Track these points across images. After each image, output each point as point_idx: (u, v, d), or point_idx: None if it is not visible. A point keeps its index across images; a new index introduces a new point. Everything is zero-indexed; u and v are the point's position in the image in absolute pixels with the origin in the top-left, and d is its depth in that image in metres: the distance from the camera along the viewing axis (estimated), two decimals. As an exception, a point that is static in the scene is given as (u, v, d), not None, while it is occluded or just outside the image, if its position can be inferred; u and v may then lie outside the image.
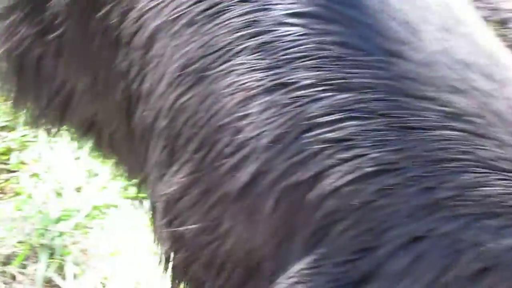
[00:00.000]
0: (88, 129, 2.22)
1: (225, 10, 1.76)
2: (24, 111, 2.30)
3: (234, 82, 1.71)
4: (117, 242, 2.92)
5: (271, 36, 1.71)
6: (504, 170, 1.60)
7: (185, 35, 1.80)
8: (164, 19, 1.82)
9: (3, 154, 3.10)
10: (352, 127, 1.60)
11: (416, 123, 1.61)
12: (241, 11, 1.75)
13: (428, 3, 1.83)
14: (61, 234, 2.94)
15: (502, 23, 4.57)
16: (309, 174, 1.60)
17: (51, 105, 2.18)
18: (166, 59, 1.84)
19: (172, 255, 1.90)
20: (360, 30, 1.70)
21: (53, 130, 2.30)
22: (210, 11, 1.77)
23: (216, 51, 1.75)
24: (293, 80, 1.65)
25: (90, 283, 2.83)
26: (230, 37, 1.74)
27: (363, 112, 1.62)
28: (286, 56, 1.68)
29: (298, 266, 1.66)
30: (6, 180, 3.02)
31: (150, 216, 2.02)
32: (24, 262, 2.88)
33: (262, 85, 1.67)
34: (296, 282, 1.65)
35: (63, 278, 2.83)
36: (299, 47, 1.67)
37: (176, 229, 1.85)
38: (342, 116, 1.61)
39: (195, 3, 1.79)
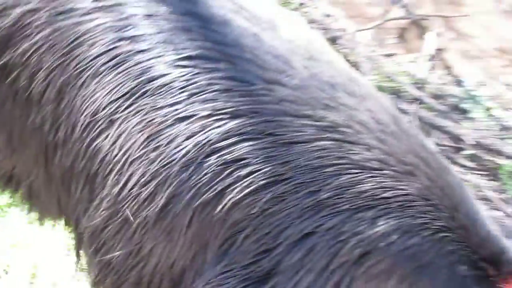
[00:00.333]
0: (7, 182, 2.46)
1: (124, 60, 2.05)
2: None
3: (141, 121, 2.01)
4: (17, 236, 3.35)
5: (168, 78, 2.01)
6: (373, 169, 2.01)
7: (91, 85, 2.07)
8: (70, 74, 2.08)
9: None
10: (245, 147, 1.96)
11: (297, 138, 1.99)
12: (138, 60, 2.04)
13: (294, 38, 2.19)
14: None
15: (333, 40, 5.45)
16: (214, 192, 1.96)
17: None
18: (76, 109, 2.08)
19: (102, 279, 2.17)
20: (242, 65, 2.04)
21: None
22: (111, 63, 2.05)
23: (121, 96, 2.02)
24: (192, 113, 1.98)
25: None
26: (132, 83, 2.02)
27: (253, 133, 1.97)
28: (184, 93, 1.99)
29: (213, 272, 2.01)
30: None
31: (75, 247, 2.35)
32: None
33: (166, 120, 1.98)
34: (213, 286, 2.01)
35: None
36: (193, 85, 1.99)
37: (103, 257, 2.13)
38: (237, 139, 1.96)
39: (96, 57, 2.07)
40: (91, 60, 2.09)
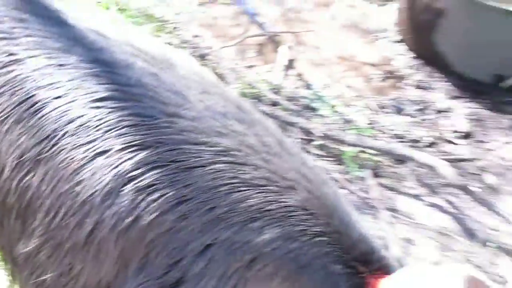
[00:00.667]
0: None
1: (43, 106, 2.11)
2: None
3: (65, 159, 2.07)
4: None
5: (84, 118, 2.07)
6: (260, 186, 2.09)
7: (16, 130, 2.13)
8: None
9: None
10: (154, 175, 2.02)
11: (196, 163, 2.06)
12: (55, 105, 2.10)
13: (188, 75, 2.27)
14: None
15: (202, 57, 5.68)
16: (132, 217, 2.02)
17: None
18: (4, 152, 2.15)
19: None
20: (146, 102, 2.11)
21: None
22: (32, 109, 2.12)
23: (45, 138, 2.09)
24: (108, 148, 2.04)
25: None
26: (53, 126, 2.08)
27: (160, 162, 2.04)
28: (99, 131, 2.05)
29: (133, 284, 2.07)
30: None
31: (10, 272, 2.41)
32: None
33: (86, 156, 2.04)
34: None
35: None
36: (106, 123, 2.06)
37: (37, 279, 2.19)
38: (146, 168, 2.03)
39: (18, 105, 2.14)
40: (13, 108, 2.15)
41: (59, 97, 2.12)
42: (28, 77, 2.18)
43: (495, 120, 5.84)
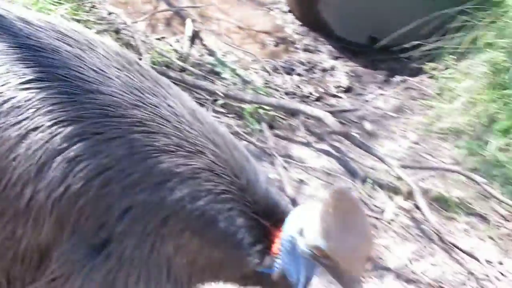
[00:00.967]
0: None
1: None
2: None
3: (1, 137, 2.02)
4: None
5: (16, 99, 2.04)
6: (171, 151, 2.09)
7: None
8: None
9: None
10: (79, 147, 2.02)
11: (115, 134, 2.05)
12: None
13: (108, 55, 2.21)
14: None
15: (117, 31, 5.54)
16: (64, 186, 2.02)
17: None
18: None
19: None
20: (70, 81, 2.07)
21: None
22: None
23: None
24: (38, 125, 2.00)
25: None
26: None
27: (84, 135, 2.03)
28: (30, 110, 2.02)
29: (67, 245, 2.07)
30: None
31: None
32: None
33: (20, 133, 2.01)
34: (68, 253, 2.07)
35: None
36: (35, 102, 2.02)
37: None
38: (73, 141, 2.01)
39: None
40: None
41: None
42: None
43: (370, 75, 5.96)
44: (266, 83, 5.52)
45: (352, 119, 5.39)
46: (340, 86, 5.76)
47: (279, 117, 5.12)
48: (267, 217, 2.21)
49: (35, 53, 2.12)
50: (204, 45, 5.86)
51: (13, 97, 2.05)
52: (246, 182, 2.20)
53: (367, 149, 4.82)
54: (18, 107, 2.03)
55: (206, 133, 2.19)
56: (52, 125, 2.02)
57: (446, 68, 5.68)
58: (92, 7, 5.88)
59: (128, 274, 2.12)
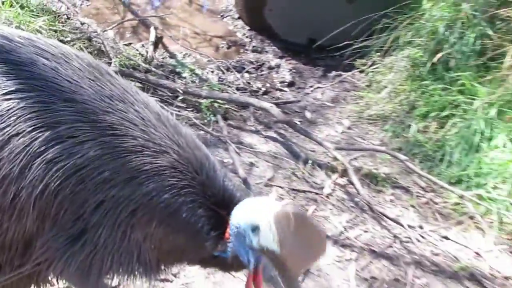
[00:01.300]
0: None
1: None
2: None
3: None
4: None
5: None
6: (138, 152, 2.07)
7: None
8: None
9: None
10: (56, 149, 1.98)
11: (88, 137, 2.01)
12: None
13: (81, 67, 2.16)
14: None
15: (89, 39, 5.41)
16: (43, 184, 1.99)
17: None
18: None
19: None
20: (47, 91, 2.03)
21: None
22: None
23: None
24: (20, 131, 1.97)
25: None
26: None
27: (60, 138, 1.99)
28: (12, 117, 1.98)
29: (48, 236, 2.07)
30: None
31: None
32: None
33: (4, 139, 1.97)
34: (50, 242, 2.07)
35: None
36: (17, 111, 1.98)
37: None
38: (50, 144, 1.98)
39: None
40: None
41: None
42: None
43: (310, 71, 5.99)
44: (220, 81, 5.53)
45: (294, 109, 5.41)
46: (284, 81, 5.78)
47: (232, 109, 5.13)
48: (224, 208, 2.20)
49: (16, 67, 2.09)
50: (166, 49, 5.85)
51: None
52: (205, 177, 2.18)
53: (308, 134, 4.83)
54: (1, 115, 2.00)
55: (170, 135, 2.17)
56: (31, 131, 2.00)
57: (373, 64, 5.74)
58: (67, 18, 5.90)
59: (102, 259, 2.12)
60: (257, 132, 4.92)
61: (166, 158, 2.12)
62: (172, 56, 5.74)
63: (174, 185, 2.13)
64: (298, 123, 5.05)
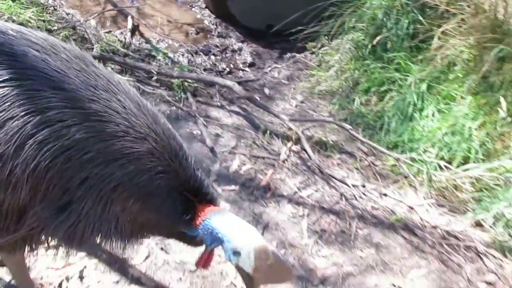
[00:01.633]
0: None
1: None
2: None
3: None
4: None
5: None
6: (120, 137, 2.02)
7: None
8: None
9: None
10: (46, 132, 1.94)
11: (75, 121, 1.97)
12: None
13: (69, 58, 2.09)
14: None
15: (73, 28, 5.22)
16: (35, 161, 1.95)
17: None
18: None
19: None
20: (38, 80, 1.98)
21: None
22: None
23: None
24: (14, 115, 1.93)
25: None
26: None
27: (50, 122, 1.95)
28: (6, 103, 1.93)
29: (39, 207, 2.04)
30: None
31: None
32: None
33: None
34: (41, 212, 2.05)
35: None
36: (11, 97, 1.93)
37: None
38: (41, 127, 1.94)
39: None
40: None
41: None
42: None
43: (268, 54, 5.95)
44: (189, 62, 5.44)
45: (255, 87, 5.36)
46: (246, 62, 5.71)
47: (200, 87, 5.04)
48: (193, 194, 2.18)
49: (9, 58, 2.01)
50: (142, 35, 5.72)
51: None
52: (178, 165, 2.14)
53: (266, 108, 4.80)
54: None
55: (149, 123, 2.11)
56: (24, 115, 1.94)
57: (323, 46, 5.71)
58: (53, 9, 5.72)
59: (85, 227, 2.10)
60: (222, 107, 4.85)
61: (145, 144, 2.07)
62: (148, 41, 5.62)
63: (151, 169, 2.08)
64: (258, 98, 5.00)
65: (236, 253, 2.06)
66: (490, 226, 3.96)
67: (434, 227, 3.97)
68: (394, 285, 3.51)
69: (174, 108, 4.66)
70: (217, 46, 5.81)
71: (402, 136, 4.60)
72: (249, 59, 5.75)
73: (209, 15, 6.28)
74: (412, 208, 4.12)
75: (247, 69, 5.64)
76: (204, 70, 5.38)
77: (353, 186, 4.17)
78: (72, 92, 2.03)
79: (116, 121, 2.05)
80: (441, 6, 5.03)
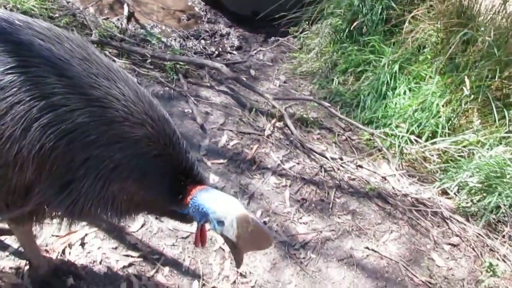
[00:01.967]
0: None
1: None
2: None
3: None
4: None
5: (3, 81, 1.89)
6: (119, 122, 1.99)
7: None
8: None
9: None
10: (50, 116, 1.91)
11: (77, 106, 1.94)
12: None
13: (72, 48, 2.03)
14: None
15: (73, 15, 5.09)
16: (40, 143, 1.92)
17: None
18: None
19: None
20: (43, 67, 1.93)
21: None
22: None
23: None
24: (20, 100, 1.89)
25: None
26: None
27: (54, 106, 1.91)
28: (14, 88, 1.89)
29: (44, 185, 2.01)
30: None
31: None
32: None
33: (7, 105, 1.89)
34: (45, 189, 2.02)
35: None
36: (18, 82, 1.89)
37: None
38: (45, 111, 1.91)
39: None
40: None
41: None
42: None
43: (254, 38, 5.86)
44: (181, 46, 5.35)
45: (241, 68, 5.28)
46: (233, 46, 5.63)
47: (191, 69, 4.95)
48: (185, 176, 2.16)
49: (16, 47, 1.97)
50: (137, 22, 5.58)
51: (0, 80, 1.94)
52: (172, 149, 2.12)
53: (252, 88, 4.74)
54: (5, 87, 1.91)
55: (146, 110, 2.07)
56: (30, 100, 1.91)
57: (304, 31, 5.65)
58: (55, -2, 5.55)
59: (84, 203, 2.07)
60: (211, 87, 4.78)
61: (142, 129, 2.04)
62: (142, 27, 5.50)
63: (147, 152, 2.06)
64: (244, 79, 4.93)
65: (220, 222, 2.05)
66: (455, 194, 3.99)
67: (405, 195, 3.97)
68: (368, 248, 3.52)
69: (167, 88, 4.57)
70: (206, 31, 5.70)
71: (377, 113, 4.58)
72: (236, 43, 5.66)
73: (199, 2, 6.15)
74: (385, 178, 4.12)
75: (234, 52, 5.55)
76: (195, 53, 5.28)
77: (332, 158, 4.15)
78: (75, 79, 1.99)
79: (115, 107, 2.01)
80: (412, -7, 4.98)
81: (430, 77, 4.54)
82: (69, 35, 2.13)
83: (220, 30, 5.78)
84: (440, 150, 4.18)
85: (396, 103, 4.54)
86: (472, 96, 4.25)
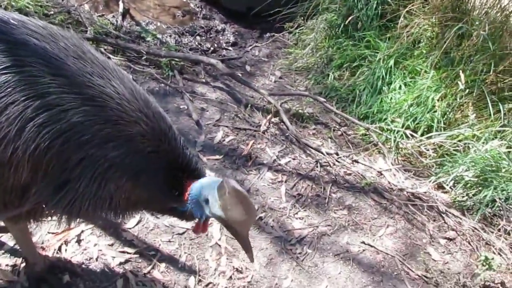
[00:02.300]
0: None
1: None
2: None
3: None
4: None
5: None
6: (113, 120, 1.96)
7: None
8: None
9: None
10: (45, 116, 1.88)
11: (72, 106, 1.91)
12: None
13: (67, 47, 2.00)
14: None
15: (68, 12, 5.00)
16: (35, 143, 1.89)
17: None
18: None
19: None
20: (37, 67, 1.90)
21: None
22: None
23: None
24: (14, 100, 1.86)
25: None
26: None
27: (49, 106, 1.89)
28: (8, 88, 1.86)
29: (40, 184, 1.99)
30: None
31: None
32: None
33: (1, 106, 1.86)
34: (42, 189, 2.00)
35: None
36: (12, 83, 1.87)
37: None
38: (40, 111, 1.88)
39: None
40: None
41: None
42: None
43: (249, 33, 5.84)
44: (177, 43, 5.32)
45: (237, 64, 5.27)
46: (228, 42, 5.60)
47: (186, 65, 4.93)
48: (182, 171, 2.13)
49: (11, 46, 1.94)
50: (132, 18, 5.56)
51: None
52: (167, 145, 2.09)
53: (247, 84, 4.72)
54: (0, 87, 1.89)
55: (141, 108, 2.05)
56: (25, 100, 1.89)
57: (299, 26, 5.62)
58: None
59: (81, 203, 2.06)
60: (207, 83, 4.76)
61: (137, 127, 2.02)
62: (138, 24, 5.48)
63: (142, 150, 2.03)
64: (240, 75, 4.92)
65: (206, 200, 2.04)
66: (451, 188, 3.97)
67: (401, 190, 3.96)
68: (364, 243, 3.51)
69: (162, 85, 4.55)
70: (202, 27, 5.67)
71: (372, 108, 4.57)
72: (231, 39, 5.63)
73: (195, -2, 6.13)
74: (380, 173, 4.11)
75: (229, 48, 5.53)
76: (190, 49, 5.26)
77: (327, 154, 4.13)
78: (69, 78, 1.97)
79: (110, 106, 1.99)
80: (407, -13, 4.96)
81: (425, 71, 4.52)
82: (64, 34, 2.10)
83: (216, 26, 5.76)
84: (436, 144, 4.17)
85: (391, 98, 4.53)
86: (467, 90, 4.24)
